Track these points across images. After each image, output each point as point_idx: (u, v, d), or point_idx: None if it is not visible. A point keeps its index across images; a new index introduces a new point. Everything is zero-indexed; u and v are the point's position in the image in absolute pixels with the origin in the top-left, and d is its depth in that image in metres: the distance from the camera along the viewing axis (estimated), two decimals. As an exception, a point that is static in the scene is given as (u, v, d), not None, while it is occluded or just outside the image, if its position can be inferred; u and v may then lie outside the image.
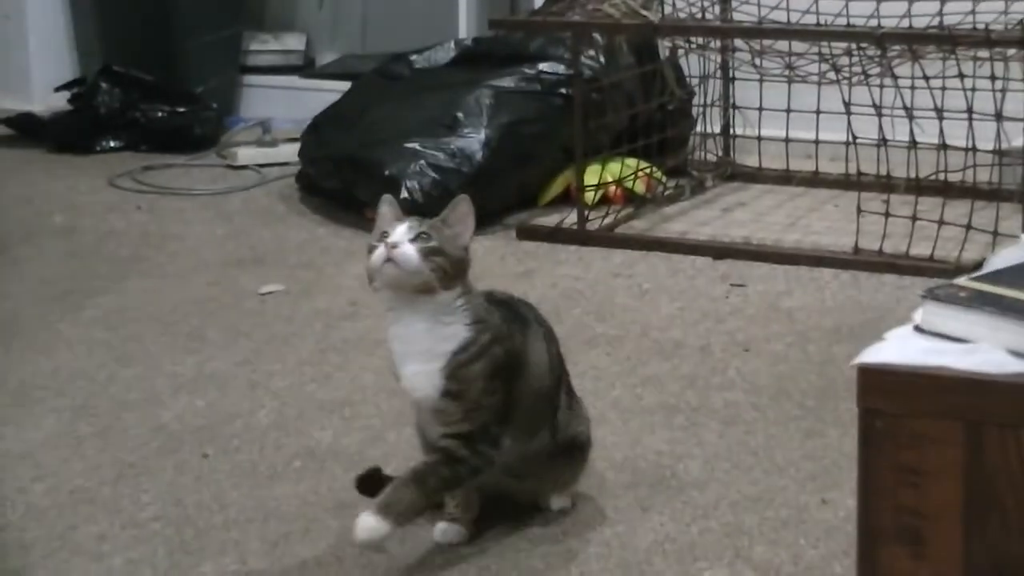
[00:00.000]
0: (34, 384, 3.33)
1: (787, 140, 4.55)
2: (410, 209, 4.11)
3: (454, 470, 2.49)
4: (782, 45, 4.18)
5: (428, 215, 4.10)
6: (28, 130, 5.33)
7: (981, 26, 3.96)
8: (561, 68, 4.45)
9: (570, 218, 4.26)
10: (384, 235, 2.45)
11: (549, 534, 2.64)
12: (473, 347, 2.46)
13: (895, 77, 3.96)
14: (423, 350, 2.46)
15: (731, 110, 4.75)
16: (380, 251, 2.43)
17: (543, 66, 4.50)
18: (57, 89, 5.38)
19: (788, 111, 4.48)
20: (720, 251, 4.06)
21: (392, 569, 2.53)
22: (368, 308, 3.55)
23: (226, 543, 2.61)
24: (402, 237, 2.43)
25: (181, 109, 5.26)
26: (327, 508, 2.64)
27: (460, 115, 4.39)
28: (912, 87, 3.94)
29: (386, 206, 2.52)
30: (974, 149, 3.98)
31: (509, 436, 2.54)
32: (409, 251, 2.42)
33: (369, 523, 2.43)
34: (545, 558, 2.57)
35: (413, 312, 2.46)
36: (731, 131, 4.78)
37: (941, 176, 4.01)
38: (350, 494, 2.68)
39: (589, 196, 4.30)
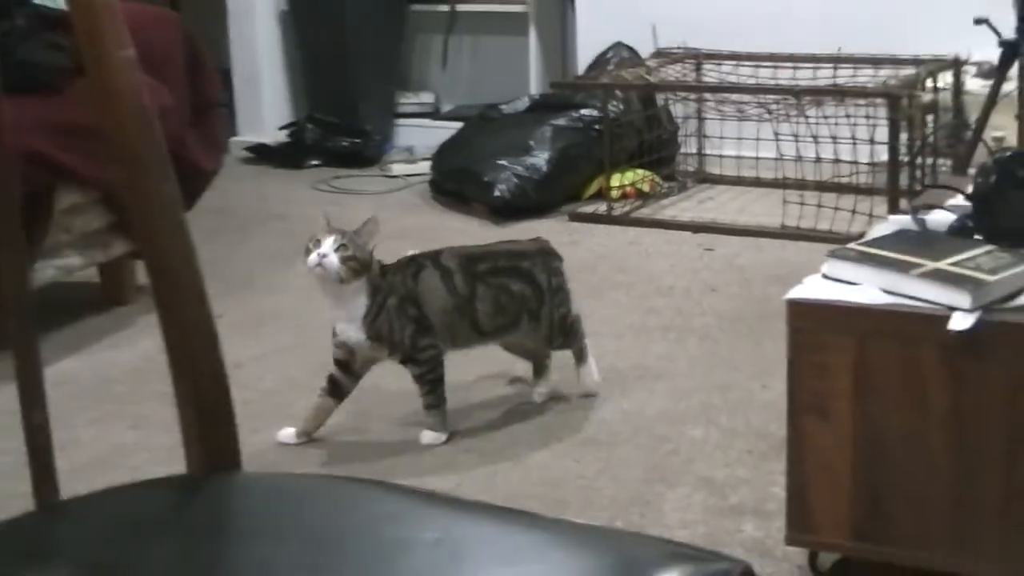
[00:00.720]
0: (262, 315, 3.33)
1: (739, 157, 4.49)
2: (501, 204, 4.14)
3: (427, 379, 2.46)
4: (735, 97, 4.15)
5: (514, 208, 4.15)
6: (261, 154, 5.33)
7: (861, 83, 3.94)
8: (595, 112, 4.40)
9: (602, 207, 4.22)
10: (317, 243, 2.38)
11: (587, 405, 2.64)
12: (373, 307, 2.41)
13: (807, 117, 3.92)
14: (345, 315, 2.42)
15: (702, 138, 4.70)
16: (314, 257, 2.36)
17: (584, 111, 4.45)
18: (280, 128, 5.38)
19: (739, 139, 4.42)
20: (697, 228, 4.01)
21: (486, 408, 2.53)
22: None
23: (385, 410, 2.62)
24: (328, 249, 2.37)
25: (357, 140, 5.24)
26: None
27: (532, 143, 4.36)
28: (817, 123, 3.90)
29: (322, 218, 2.45)
30: (856, 162, 3.93)
31: (439, 339, 2.46)
32: (333, 260, 2.36)
33: (430, 435, 2.46)
34: (586, 420, 2.57)
35: (337, 293, 2.40)
36: (702, 151, 4.73)
37: (836, 179, 3.97)
38: (462, 375, 2.68)
39: (614, 193, 4.27)
